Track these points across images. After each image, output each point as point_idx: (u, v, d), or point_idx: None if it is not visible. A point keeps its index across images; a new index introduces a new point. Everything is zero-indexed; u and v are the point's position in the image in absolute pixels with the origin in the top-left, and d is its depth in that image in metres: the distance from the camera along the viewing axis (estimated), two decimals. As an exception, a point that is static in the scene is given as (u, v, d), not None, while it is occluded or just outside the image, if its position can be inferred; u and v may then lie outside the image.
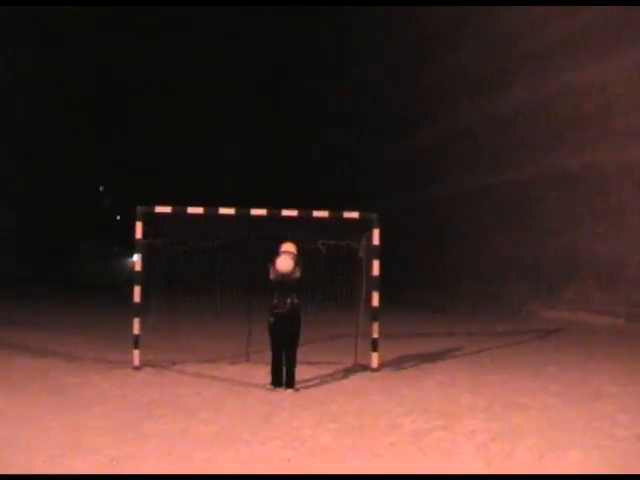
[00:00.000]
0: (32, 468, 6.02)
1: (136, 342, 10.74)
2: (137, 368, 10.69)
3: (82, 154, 46.84)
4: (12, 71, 31.69)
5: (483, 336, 15.61)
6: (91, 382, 9.92)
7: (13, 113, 32.68)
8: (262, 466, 6.16)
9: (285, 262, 9.52)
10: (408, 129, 30.25)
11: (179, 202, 11.28)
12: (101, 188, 61.67)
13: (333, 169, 40.44)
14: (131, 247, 11.07)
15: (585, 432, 7.21)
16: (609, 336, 15.27)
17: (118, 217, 59.86)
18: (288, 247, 9.80)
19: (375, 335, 10.95)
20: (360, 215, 11.15)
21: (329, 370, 10.99)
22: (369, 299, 11.12)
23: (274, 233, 10.44)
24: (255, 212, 10.99)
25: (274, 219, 11.08)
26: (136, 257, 10.85)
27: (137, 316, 10.76)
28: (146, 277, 10.95)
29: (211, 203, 11.35)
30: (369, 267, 11.12)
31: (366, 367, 11.05)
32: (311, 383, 10.00)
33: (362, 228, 11.29)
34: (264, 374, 9.93)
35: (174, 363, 11.42)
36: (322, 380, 10.27)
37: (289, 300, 9.42)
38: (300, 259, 9.72)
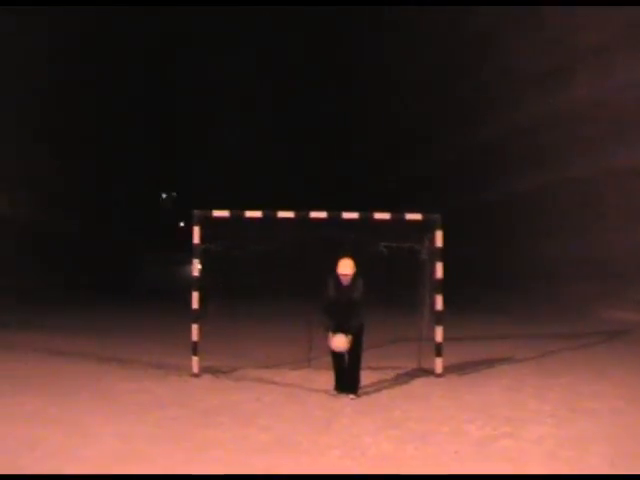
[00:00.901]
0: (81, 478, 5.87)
1: (194, 349, 10.59)
2: (196, 375, 10.55)
3: (146, 162, 47.77)
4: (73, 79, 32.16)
5: (547, 338, 15.16)
6: (146, 388, 9.73)
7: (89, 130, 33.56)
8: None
9: (339, 341, 9.03)
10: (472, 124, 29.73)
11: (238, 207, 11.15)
12: (163, 195, 62.66)
13: (396, 168, 40.18)
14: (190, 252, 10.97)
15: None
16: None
17: (181, 223, 60.52)
18: (345, 267, 9.20)
19: (439, 339, 10.63)
20: (423, 217, 10.78)
21: (391, 375, 10.73)
22: (432, 302, 10.83)
23: (335, 235, 10.21)
24: (315, 215, 10.74)
25: (335, 221, 10.86)
26: (194, 262, 10.78)
27: (195, 322, 10.64)
28: (204, 282, 10.83)
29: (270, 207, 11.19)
30: (432, 270, 10.82)
31: (429, 372, 10.75)
32: (373, 388, 9.75)
33: (421, 230, 11.02)
34: (326, 380, 9.73)
35: (234, 369, 11.24)
36: (384, 385, 10.02)
37: (351, 324, 9.04)
38: (359, 279, 9.24)
